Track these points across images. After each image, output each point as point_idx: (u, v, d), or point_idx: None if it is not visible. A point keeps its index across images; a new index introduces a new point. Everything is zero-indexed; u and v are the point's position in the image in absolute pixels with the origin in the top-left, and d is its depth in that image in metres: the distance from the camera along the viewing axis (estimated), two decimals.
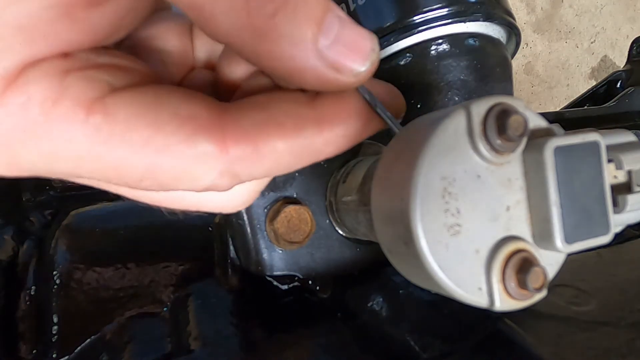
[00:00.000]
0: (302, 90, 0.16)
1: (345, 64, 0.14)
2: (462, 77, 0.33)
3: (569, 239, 0.15)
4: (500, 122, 0.15)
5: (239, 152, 0.14)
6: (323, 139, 0.15)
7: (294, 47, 0.14)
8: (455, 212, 0.15)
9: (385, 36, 0.33)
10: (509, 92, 0.36)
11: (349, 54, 0.14)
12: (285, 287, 0.28)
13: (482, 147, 0.15)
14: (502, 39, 0.37)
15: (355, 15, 0.35)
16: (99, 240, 0.29)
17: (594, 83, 0.65)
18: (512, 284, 0.15)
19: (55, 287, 0.27)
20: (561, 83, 1.56)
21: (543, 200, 0.15)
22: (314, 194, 0.27)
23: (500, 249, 0.15)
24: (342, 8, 0.35)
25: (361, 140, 0.16)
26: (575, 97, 0.67)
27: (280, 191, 0.26)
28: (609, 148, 0.17)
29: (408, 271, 0.16)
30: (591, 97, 0.65)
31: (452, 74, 0.33)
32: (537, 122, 0.16)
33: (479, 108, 0.15)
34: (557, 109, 0.58)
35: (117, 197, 0.33)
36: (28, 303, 0.27)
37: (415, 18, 0.32)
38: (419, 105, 0.34)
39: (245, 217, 0.27)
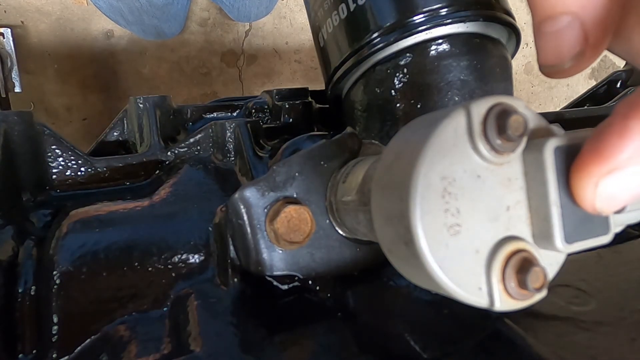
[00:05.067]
0: None
1: None
2: (462, 77, 0.33)
3: (569, 239, 0.15)
4: (500, 122, 0.15)
5: None
6: None
7: None
8: (455, 212, 0.15)
9: (385, 36, 0.33)
10: (509, 92, 0.36)
11: None
12: (285, 287, 0.28)
13: (482, 147, 0.15)
14: (502, 39, 0.37)
15: (355, 15, 0.35)
16: (99, 240, 0.29)
17: (594, 83, 0.65)
18: (512, 284, 0.15)
19: (55, 287, 0.27)
20: (561, 83, 1.56)
21: (543, 200, 0.15)
22: (314, 194, 0.27)
23: (500, 249, 0.15)
24: (341, 8, 0.35)
25: None
26: (575, 97, 0.67)
27: (280, 191, 0.26)
28: None
29: (408, 271, 0.16)
30: (591, 97, 0.65)
31: (452, 74, 0.33)
32: (537, 122, 0.16)
33: (479, 108, 0.15)
34: (557, 109, 0.57)
35: (116, 197, 0.33)
36: (28, 303, 0.27)
37: (415, 18, 0.32)
38: (419, 105, 0.34)
39: (245, 217, 0.27)
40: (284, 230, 0.26)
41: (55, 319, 0.26)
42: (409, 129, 0.17)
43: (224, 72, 1.22)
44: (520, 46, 0.38)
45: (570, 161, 0.15)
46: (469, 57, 0.34)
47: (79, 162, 0.35)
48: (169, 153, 0.37)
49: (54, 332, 0.26)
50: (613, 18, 0.17)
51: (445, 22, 0.32)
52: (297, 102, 0.43)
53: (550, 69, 0.19)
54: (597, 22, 0.17)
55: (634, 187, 0.14)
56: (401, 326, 0.26)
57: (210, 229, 0.31)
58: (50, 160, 0.34)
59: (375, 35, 0.33)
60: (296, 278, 0.28)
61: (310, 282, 0.29)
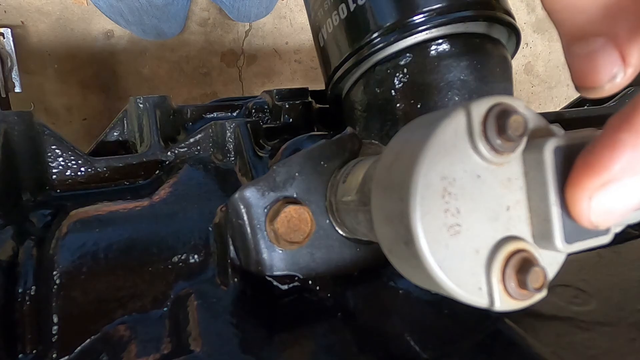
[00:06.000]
0: None
1: None
2: (462, 77, 0.33)
3: (569, 239, 0.15)
4: (500, 122, 0.15)
5: None
6: None
7: None
8: (455, 212, 0.15)
9: (385, 36, 0.33)
10: (509, 92, 0.36)
11: None
12: (285, 287, 0.28)
13: (482, 147, 0.15)
14: (502, 39, 0.37)
15: (355, 15, 0.35)
16: (99, 240, 0.29)
17: None
18: (512, 284, 0.15)
19: (55, 287, 0.27)
20: (561, 83, 1.56)
21: (543, 200, 0.15)
22: (314, 194, 0.27)
23: (500, 249, 0.15)
24: (341, 8, 0.35)
25: None
26: (575, 97, 0.67)
27: (280, 191, 0.26)
28: None
29: (408, 271, 0.16)
30: None
31: (452, 74, 0.33)
32: (537, 122, 0.16)
33: (479, 108, 0.15)
34: (557, 109, 0.57)
35: (117, 197, 0.33)
36: (28, 303, 0.27)
37: (415, 18, 0.32)
38: (419, 105, 0.34)
39: (245, 217, 0.27)
40: (284, 230, 0.26)
41: (55, 319, 0.26)
42: (409, 129, 0.17)
43: (224, 72, 1.22)
44: (520, 46, 0.38)
45: (570, 161, 0.15)
46: (469, 57, 0.34)
47: (79, 162, 0.35)
48: (169, 153, 0.37)
49: (54, 332, 0.26)
50: None
51: (445, 22, 0.32)
52: (297, 102, 0.43)
53: (587, 92, 0.18)
54: (634, 40, 0.16)
55: (628, 199, 0.14)
56: (401, 326, 0.26)
57: (210, 229, 0.31)
58: (50, 160, 0.34)
59: (375, 35, 0.33)
60: (296, 278, 0.28)
61: (310, 282, 0.29)
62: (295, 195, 0.26)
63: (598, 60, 0.17)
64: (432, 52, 0.33)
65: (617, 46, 0.17)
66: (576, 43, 0.17)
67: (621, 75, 0.17)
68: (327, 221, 0.27)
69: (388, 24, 0.33)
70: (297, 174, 0.26)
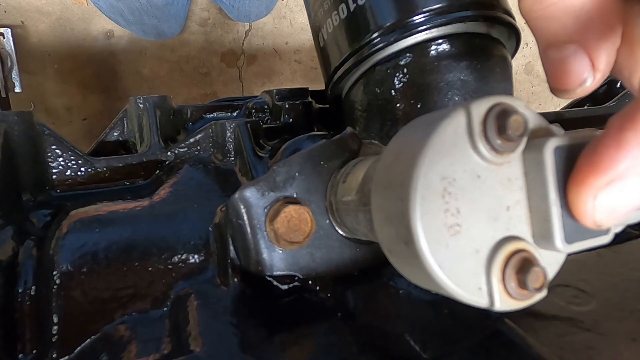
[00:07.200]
0: None
1: None
2: (462, 77, 0.33)
3: (569, 239, 0.15)
4: (500, 122, 0.15)
5: None
6: None
7: None
8: (455, 212, 0.15)
9: (385, 36, 0.33)
10: (509, 92, 0.36)
11: None
12: (285, 287, 0.28)
13: (482, 147, 0.15)
14: (502, 39, 0.37)
15: (355, 15, 0.35)
16: (99, 240, 0.29)
17: None
18: (512, 284, 0.15)
19: (55, 287, 0.27)
20: None
21: (543, 200, 0.15)
22: (314, 194, 0.27)
23: (500, 249, 0.15)
24: (341, 8, 0.35)
25: None
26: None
27: (280, 191, 0.26)
28: None
29: (408, 271, 0.16)
30: (591, 97, 0.65)
31: (452, 74, 0.33)
32: (537, 122, 0.16)
33: (479, 108, 0.15)
34: (557, 109, 0.57)
35: (117, 197, 0.33)
36: (28, 303, 0.27)
37: (415, 18, 0.32)
38: (419, 105, 0.34)
39: (245, 217, 0.27)
40: (284, 230, 0.26)
41: (55, 319, 0.26)
42: (409, 129, 0.17)
43: (224, 72, 1.22)
44: (520, 46, 0.38)
45: (570, 161, 0.15)
46: (469, 57, 0.34)
47: (79, 162, 0.35)
48: (169, 153, 0.37)
49: (54, 332, 0.26)
50: (617, 43, 0.18)
51: (445, 22, 0.32)
52: (297, 102, 0.43)
53: (561, 93, 0.19)
54: (602, 48, 0.18)
55: (633, 198, 0.14)
56: (401, 326, 0.26)
57: (210, 229, 0.31)
58: (50, 160, 0.34)
59: (375, 35, 0.33)
60: (296, 278, 0.28)
61: (310, 282, 0.29)
62: (295, 195, 0.26)
63: (570, 66, 0.18)
64: (432, 52, 0.33)
65: (587, 53, 0.18)
66: (551, 49, 0.19)
67: (590, 80, 0.18)
68: (327, 221, 0.27)
69: (388, 24, 0.33)
70: (297, 174, 0.26)
